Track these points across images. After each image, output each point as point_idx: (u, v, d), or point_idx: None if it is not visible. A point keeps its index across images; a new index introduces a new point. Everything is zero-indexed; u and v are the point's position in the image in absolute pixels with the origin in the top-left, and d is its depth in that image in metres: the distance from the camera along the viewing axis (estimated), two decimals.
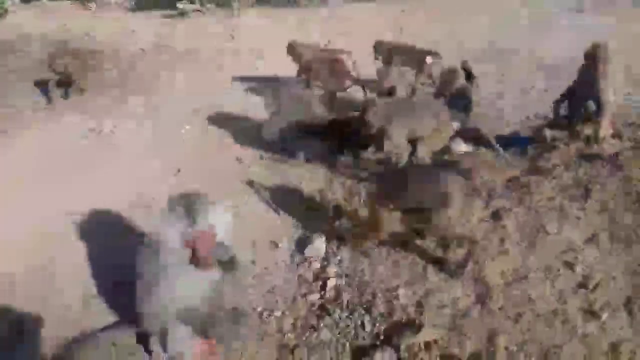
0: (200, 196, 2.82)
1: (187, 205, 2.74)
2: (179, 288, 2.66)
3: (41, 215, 4.33)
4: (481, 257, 3.63)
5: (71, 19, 10.26)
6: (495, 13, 10.96)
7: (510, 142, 5.28)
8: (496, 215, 3.96)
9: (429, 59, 6.44)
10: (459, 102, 5.29)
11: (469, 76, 5.59)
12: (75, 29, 9.58)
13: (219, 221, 2.81)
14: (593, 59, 4.75)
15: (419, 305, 3.40)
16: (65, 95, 6.76)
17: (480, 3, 11.68)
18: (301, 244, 4.09)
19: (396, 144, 4.62)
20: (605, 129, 4.69)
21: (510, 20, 10.61)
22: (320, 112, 5.55)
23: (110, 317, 3.44)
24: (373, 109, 4.65)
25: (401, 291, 3.51)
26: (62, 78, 6.66)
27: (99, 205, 4.45)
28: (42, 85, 6.84)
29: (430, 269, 3.64)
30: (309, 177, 5.05)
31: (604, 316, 3.16)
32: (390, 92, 5.81)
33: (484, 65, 8.08)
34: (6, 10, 10.12)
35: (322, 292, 3.60)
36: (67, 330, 3.22)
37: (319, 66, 6.52)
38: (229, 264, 2.91)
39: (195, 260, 2.72)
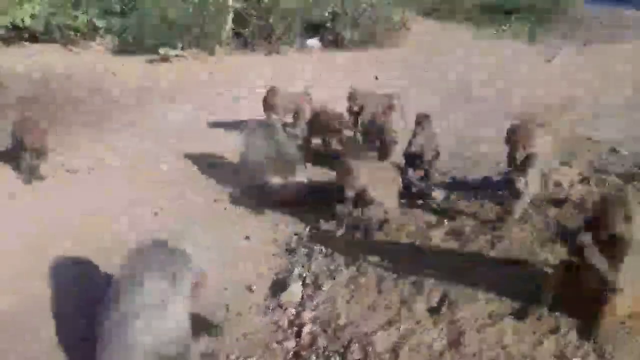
0: (182, 255, 2.76)
1: (171, 266, 2.68)
2: (156, 328, 2.58)
3: (9, 257, 4.24)
4: (455, 301, 3.66)
5: (53, 60, 10.34)
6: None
7: (483, 185, 5.41)
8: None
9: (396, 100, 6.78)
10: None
11: None
12: (56, 70, 9.63)
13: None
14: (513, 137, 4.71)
15: (394, 350, 3.38)
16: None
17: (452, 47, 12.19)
18: (276, 288, 4.07)
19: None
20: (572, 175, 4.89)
21: (481, 66, 11.06)
22: (292, 151, 5.71)
23: None
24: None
25: (376, 336, 3.49)
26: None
27: (72, 248, 4.39)
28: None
29: (405, 311, 3.64)
30: (283, 218, 5.10)
31: None
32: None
33: (456, 112, 8.39)
34: None
35: (298, 339, 3.56)
36: None
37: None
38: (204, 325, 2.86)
39: None
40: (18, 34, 11.56)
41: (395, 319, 3.60)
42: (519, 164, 4.56)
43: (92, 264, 4.21)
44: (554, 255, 3.95)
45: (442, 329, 3.47)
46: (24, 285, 3.97)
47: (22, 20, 11.39)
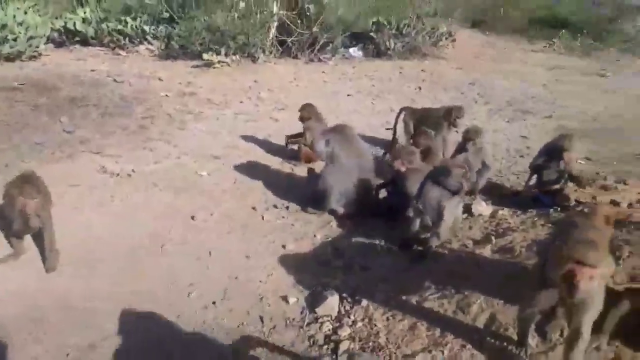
0: None
1: None
2: None
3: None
4: (503, 323, 3.41)
5: (101, 63, 10.59)
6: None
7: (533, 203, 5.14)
8: None
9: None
10: None
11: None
12: (104, 73, 9.85)
13: None
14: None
15: None
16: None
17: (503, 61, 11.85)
18: (312, 301, 3.90)
19: None
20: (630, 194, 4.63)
21: (531, 80, 10.69)
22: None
23: None
24: None
25: (418, 357, 3.28)
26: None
27: (109, 245, 4.38)
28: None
29: (449, 333, 3.41)
30: (321, 229, 4.95)
31: None
32: None
33: (504, 125, 8.10)
34: (40, 54, 10.48)
35: (334, 357, 3.37)
36: None
37: None
38: None
39: None
40: (69, 38, 11.95)
41: (439, 340, 3.37)
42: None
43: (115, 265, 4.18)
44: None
45: (491, 353, 3.23)
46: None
47: (74, 24, 11.79)
